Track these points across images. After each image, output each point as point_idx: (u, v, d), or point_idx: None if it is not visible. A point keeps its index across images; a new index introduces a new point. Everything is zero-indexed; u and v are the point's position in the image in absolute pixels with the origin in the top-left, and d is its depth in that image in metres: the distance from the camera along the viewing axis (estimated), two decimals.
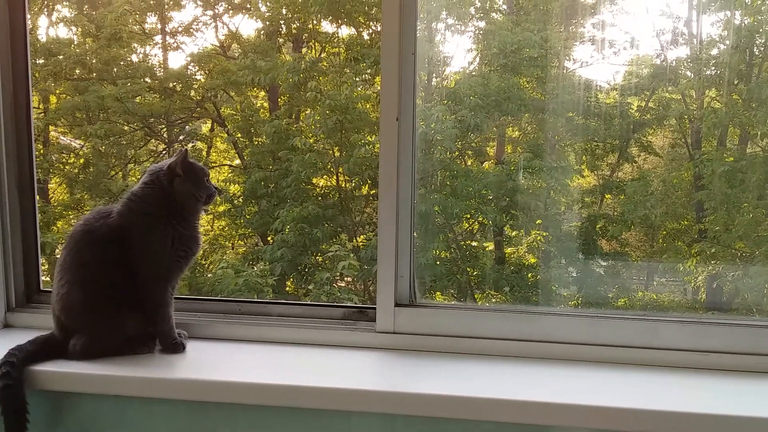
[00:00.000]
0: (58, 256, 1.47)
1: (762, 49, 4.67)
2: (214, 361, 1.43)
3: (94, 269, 1.40)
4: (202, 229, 1.53)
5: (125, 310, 1.41)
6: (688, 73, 5.02)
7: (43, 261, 1.76)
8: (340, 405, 1.28)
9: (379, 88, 1.50)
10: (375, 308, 1.53)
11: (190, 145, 6.21)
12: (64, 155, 6.12)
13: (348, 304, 1.62)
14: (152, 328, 1.45)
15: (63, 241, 1.44)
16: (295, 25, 6.01)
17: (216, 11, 6.38)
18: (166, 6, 6.32)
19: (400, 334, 1.51)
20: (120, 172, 6.04)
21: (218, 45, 6.35)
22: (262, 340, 1.55)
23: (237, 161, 6.17)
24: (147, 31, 6.37)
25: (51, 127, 5.96)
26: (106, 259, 1.40)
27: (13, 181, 1.66)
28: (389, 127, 1.49)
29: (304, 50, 6.07)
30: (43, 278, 1.73)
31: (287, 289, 5.31)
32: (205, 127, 6.40)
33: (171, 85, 6.06)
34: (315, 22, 5.98)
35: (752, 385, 1.33)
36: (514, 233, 5.16)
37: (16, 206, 1.66)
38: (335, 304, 1.64)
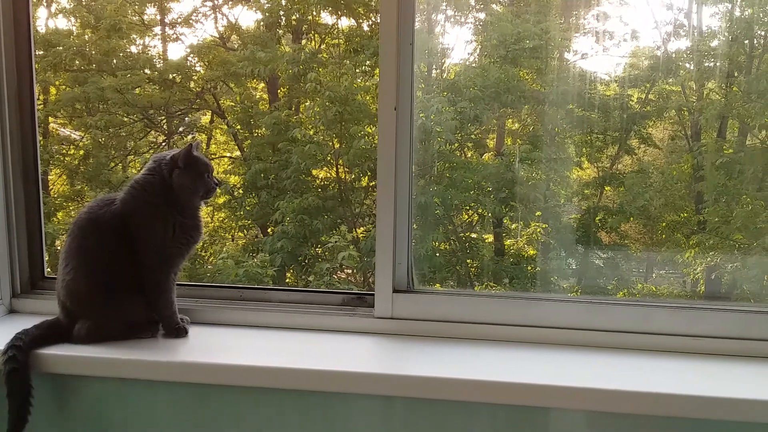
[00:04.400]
0: (59, 246, 1.49)
1: (762, 40, 4.67)
2: (216, 346, 1.46)
3: (98, 256, 1.43)
4: (202, 220, 1.55)
5: (129, 296, 1.44)
6: (688, 65, 5.02)
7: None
8: (340, 387, 1.31)
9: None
10: (373, 294, 1.56)
11: (189, 136, 6.23)
12: (63, 147, 6.12)
13: (347, 291, 1.64)
14: (155, 314, 1.48)
15: (63, 232, 1.46)
16: (294, 17, 6.01)
17: (215, 2, 6.37)
18: None
19: (398, 320, 1.54)
20: (120, 164, 6.05)
21: (218, 36, 6.35)
22: (263, 326, 1.58)
23: (237, 153, 6.19)
24: (146, 22, 6.37)
25: (51, 119, 5.97)
26: (109, 246, 1.43)
27: (18, 170, 1.68)
28: (387, 117, 1.51)
29: (303, 41, 6.07)
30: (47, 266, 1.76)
31: (287, 280, 5.34)
32: (205, 119, 6.41)
33: (171, 76, 6.06)
34: (314, 13, 5.98)
35: (741, 368, 1.36)
36: (513, 225, 5.18)
37: (20, 195, 1.69)
38: (335, 290, 1.66)
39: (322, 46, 6.08)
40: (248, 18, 8.01)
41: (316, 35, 6.17)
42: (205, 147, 6.01)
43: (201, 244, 1.56)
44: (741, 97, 4.68)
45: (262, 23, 6.04)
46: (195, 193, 1.47)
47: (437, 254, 4.91)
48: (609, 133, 5.09)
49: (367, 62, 5.60)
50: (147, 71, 6.03)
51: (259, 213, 5.64)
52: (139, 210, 1.44)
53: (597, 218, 5.00)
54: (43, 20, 6.16)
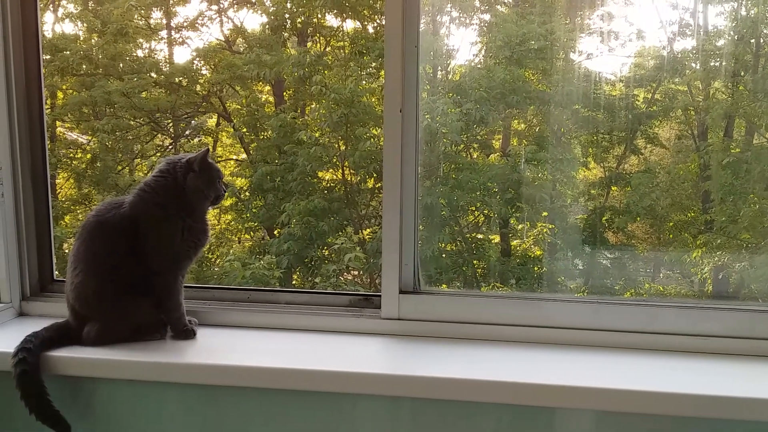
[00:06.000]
0: (67, 250, 1.50)
1: None
2: (224, 347, 1.47)
3: (106, 259, 1.44)
4: (209, 224, 1.56)
5: (137, 298, 1.45)
6: (694, 65, 5.01)
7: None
8: (347, 388, 1.32)
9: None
10: (380, 295, 1.56)
11: (196, 139, 6.26)
12: (71, 150, 6.16)
13: (354, 292, 1.65)
14: (164, 316, 1.49)
15: (71, 236, 1.48)
16: (299, 19, 6.02)
17: (221, 6, 6.40)
18: (171, 1, 6.35)
19: (405, 321, 1.54)
20: (127, 167, 6.09)
21: (223, 40, 6.38)
22: (270, 327, 1.58)
23: (243, 155, 6.21)
24: (152, 26, 6.40)
25: (58, 123, 6.00)
26: (118, 248, 1.44)
27: (27, 175, 1.69)
28: (393, 119, 1.52)
29: (309, 44, 6.09)
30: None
31: (294, 282, 5.35)
32: (211, 122, 6.44)
33: (177, 80, 6.09)
34: (320, 15, 5.99)
35: (748, 367, 1.35)
36: (519, 226, 5.18)
37: (30, 199, 1.70)
38: (341, 291, 1.67)
39: (328, 49, 6.10)
40: (254, 21, 8.02)
41: (321, 38, 6.19)
42: (211, 150, 6.03)
43: (208, 246, 1.57)
44: (747, 97, 4.67)
45: (267, 26, 6.06)
46: (207, 198, 1.49)
47: (443, 255, 4.91)
48: (615, 133, 5.09)
49: (373, 64, 5.61)
50: (153, 75, 6.07)
51: (266, 215, 5.66)
52: (148, 212, 1.45)
53: (604, 218, 4.99)
54: (50, 25, 6.20)
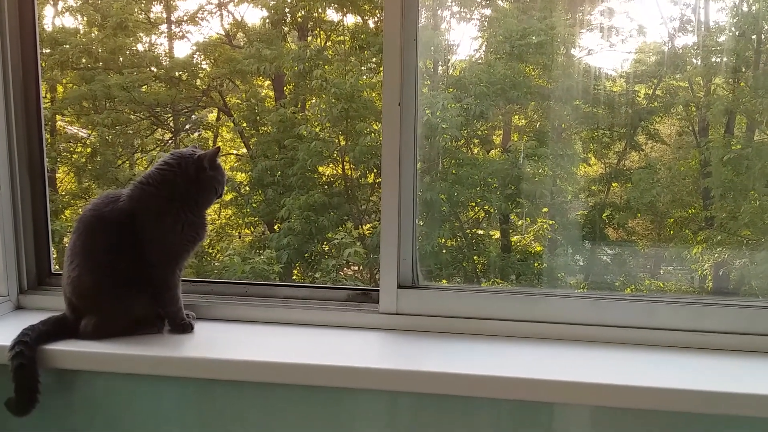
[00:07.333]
0: (67, 243, 1.50)
1: None
2: (222, 341, 1.46)
3: (103, 253, 1.43)
4: (209, 219, 1.56)
5: (135, 292, 1.44)
6: (695, 61, 5.00)
7: (52, 249, 1.79)
8: (345, 383, 1.31)
9: None
10: (378, 290, 1.56)
11: (196, 134, 6.25)
12: (71, 144, 6.16)
13: (352, 286, 1.65)
14: (161, 309, 1.48)
15: (71, 229, 1.47)
16: (300, 14, 6.01)
17: (221, 0, 6.39)
18: None
19: (403, 315, 1.54)
20: (127, 161, 6.08)
21: (223, 34, 6.37)
22: (268, 321, 1.58)
23: (243, 150, 6.20)
24: (152, 20, 6.39)
25: (58, 117, 6.00)
26: (115, 242, 1.43)
27: (24, 168, 1.69)
28: (391, 112, 1.51)
29: (309, 39, 6.08)
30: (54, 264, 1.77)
31: (294, 276, 5.35)
32: (211, 116, 6.43)
33: (177, 74, 6.08)
34: (320, 10, 5.98)
35: (747, 363, 1.35)
36: (520, 221, 5.17)
37: (27, 192, 1.70)
38: (340, 286, 1.66)
39: (328, 43, 6.08)
40: (254, 15, 8.03)
41: (321, 32, 6.17)
42: (211, 144, 6.03)
43: (207, 241, 1.57)
44: (748, 93, 4.66)
45: (267, 20, 6.05)
46: (216, 194, 1.50)
47: (444, 251, 4.91)
48: (616, 129, 5.08)
49: (373, 59, 5.60)
50: (153, 69, 6.06)
51: (266, 210, 5.66)
52: (149, 205, 1.44)
53: (604, 214, 4.99)
54: (49, 18, 6.19)
